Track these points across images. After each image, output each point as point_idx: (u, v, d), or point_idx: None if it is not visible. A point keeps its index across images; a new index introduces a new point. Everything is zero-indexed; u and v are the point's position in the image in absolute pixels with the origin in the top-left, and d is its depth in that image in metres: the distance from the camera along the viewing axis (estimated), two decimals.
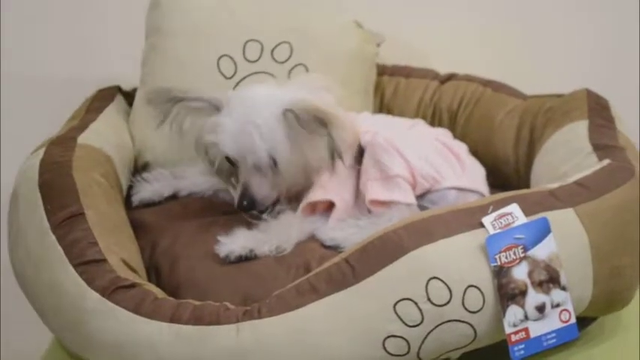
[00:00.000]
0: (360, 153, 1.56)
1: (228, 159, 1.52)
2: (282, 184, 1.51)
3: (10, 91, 2.02)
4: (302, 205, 1.52)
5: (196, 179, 1.65)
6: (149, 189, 1.64)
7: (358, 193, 1.54)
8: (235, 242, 1.43)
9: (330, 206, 1.52)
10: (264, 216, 1.49)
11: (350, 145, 1.51)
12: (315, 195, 1.52)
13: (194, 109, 1.52)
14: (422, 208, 1.50)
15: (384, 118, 1.72)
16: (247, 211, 1.50)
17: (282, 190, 1.52)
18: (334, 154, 1.47)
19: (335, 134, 1.45)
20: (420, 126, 1.68)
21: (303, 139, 1.47)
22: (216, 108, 1.51)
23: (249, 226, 1.47)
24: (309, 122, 1.45)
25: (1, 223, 1.98)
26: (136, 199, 1.63)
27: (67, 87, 2.01)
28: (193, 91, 1.52)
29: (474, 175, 1.60)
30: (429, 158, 1.55)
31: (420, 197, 1.54)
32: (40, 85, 2.03)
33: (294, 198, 1.54)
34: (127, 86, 1.85)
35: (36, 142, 1.57)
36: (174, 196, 1.65)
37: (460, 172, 1.57)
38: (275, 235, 1.45)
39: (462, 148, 1.63)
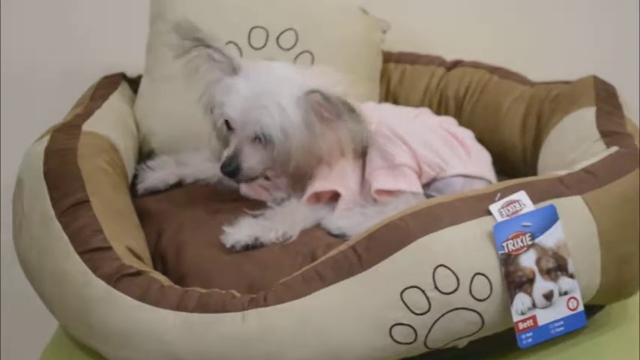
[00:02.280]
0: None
1: (227, 123, 1.50)
2: (274, 163, 1.49)
3: (14, 79, 2.01)
4: (307, 194, 1.51)
5: (201, 166, 1.65)
6: (154, 177, 1.64)
7: (364, 183, 1.54)
8: (241, 231, 1.42)
9: (335, 196, 1.52)
10: (269, 203, 1.49)
11: (364, 133, 1.49)
12: (321, 185, 1.51)
13: (214, 60, 1.50)
14: (428, 196, 1.50)
15: (388, 108, 1.72)
16: (230, 177, 1.49)
17: (271, 168, 1.50)
18: (360, 142, 1.47)
19: (359, 123, 1.44)
20: (425, 115, 1.67)
21: (317, 126, 1.46)
22: (233, 70, 1.49)
23: (254, 213, 1.47)
24: (337, 105, 1.43)
25: (2, 219, 2.00)
26: (141, 187, 1.63)
27: (72, 74, 2.01)
28: (220, 44, 1.51)
29: (480, 162, 1.59)
30: (434, 146, 1.55)
31: (426, 186, 1.53)
32: (45, 72, 2.03)
33: (298, 187, 1.54)
34: (131, 73, 1.84)
35: (40, 129, 1.57)
36: (179, 184, 1.65)
37: (466, 159, 1.57)
38: (280, 222, 1.44)
39: (467, 134, 1.63)
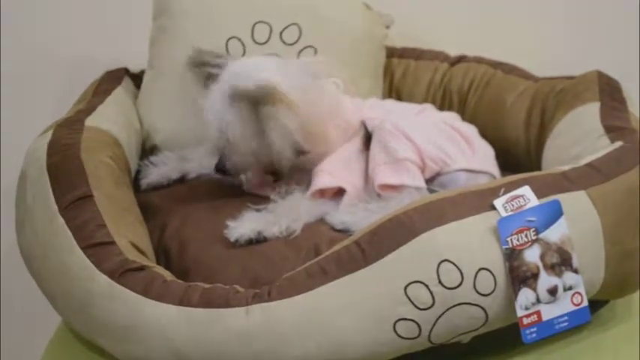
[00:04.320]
0: (368, 138, 1.56)
1: None
2: (246, 159, 1.52)
3: (16, 74, 2.01)
4: (310, 191, 1.51)
5: (204, 161, 1.65)
6: (157, 172, 1.64)
7: (367, 178, 1.53)
8: (244, 225, 1.42)
9: (339, 191, 1.52)
10: (273, 197, 1.49)
11: (294, 132, 1.49)
12: (325, 181, 1.51)
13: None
14: (431, 191, 1.49)
15: (391, 104, 1.71)
16: (222, 175, 1.54)
17: (252, 162, 1.53)
18: (286, 141, 1.48)
19: (279, 118, 1.46)
20: (428, 111, 1.67)
21: (253, 120, 1.48)
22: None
23: (257, 207, 1.47)
24: (242, 100, 1.47)
25: (3, 215, 2.00)
26: (143, 182, 1.63)
27: (74, 69, 2.00)
28: (219, 56, 1.58)
29: (484, 157, 1.59)
30: (438, 141, 1.55)
31: (429, 181, 1.53)
32: (47, 67, 2.02)
33: (301, 180, 1.53)
34: (134, 68, 1.84)
35: (43, 125, 1.57)
36: (182, 179, 1.65)
37: (470, 154, 1.56)
38: (284, 216, 1.44)
39: (471, 130, 1.62)
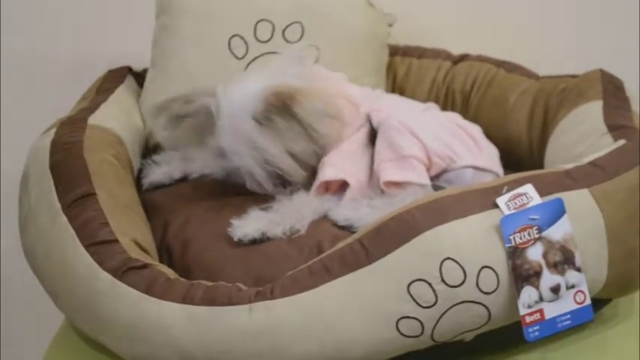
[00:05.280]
0: (373, 134, 1.55)
1: None
2: (289, 174, 1.50)
3: (18, 72, 2.01)
4: (315, 184, 1.51)
5: (207, 161, 1.64)
6: (159, 171, 1.63)
7: (372, 174, 1.53)
8: (249, 225, 1.42)
9: (343, 186, 1.51)
10: (278, 196, 1.48)
11: (327, 113, 1.50)
12: (329, 174, 1.50)
13: (196, 120, 1.53)
14: (437, 188, 1.49)
15: (397, 99, 1.71)
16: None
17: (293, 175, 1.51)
18: (308, 132, 1.47)
19: (300, 113, 1.45)
20: (433, 109, 1.67)
21: (278, 129, 1.47)
22: (211, 114, 1.51)
23: (262, 206, 1.46)
24: (273, 120, 1.45)
25: (3, 215, 2.00)
26: (145, 181, 1.62)
27: (77, 67, 2.01)
28: (189, 101, 1.52)
29: (489, 156, 1.59)
30: (444, 138, 1.54)
31: (435, 177, 1.53)
32: (50, 66, 2.02)
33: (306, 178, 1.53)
34: (137, 67, 1.84)
35: (45, 123, 1.57)
36: (184, 179, 1.64)
37: (476, 152, 1.56)
38: (288, 216, 1.44)
39: (475, 129, 1.62)
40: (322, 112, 1.48)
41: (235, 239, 1.41)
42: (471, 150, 1.56)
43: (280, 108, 1.45)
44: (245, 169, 1.50)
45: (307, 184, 1.51)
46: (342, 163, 1.51)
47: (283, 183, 1.51)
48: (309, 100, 1.47)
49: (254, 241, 1.41)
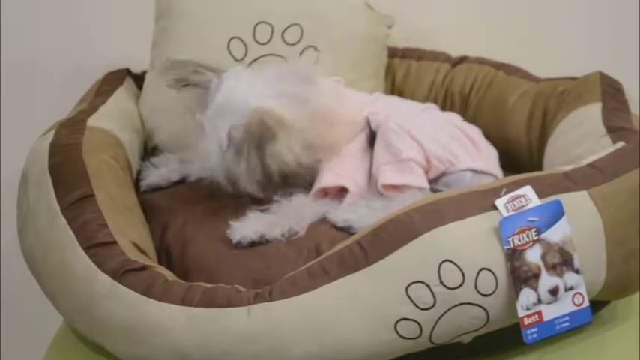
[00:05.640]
0: (372, 137, 1.55)
1: None
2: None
3: (17, 74, 2.01)
4: (314, 190, 1.51)
5: (205, 164, 1.64)
6: (157, 174, 1.63)
7: (371, 177, 1.53)
8: (247, 227, 1.42)
9: (342, 190, 1.52)
10: (276, 197, 1.49)
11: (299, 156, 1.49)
12: (328, 180, 1.51)
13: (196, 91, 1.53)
14: (436, 191, 1.49)
15: (396, 100, 1.71)
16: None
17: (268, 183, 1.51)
18: (262, 173, 1.47)
19: (270, 151, 1.45)
20: (432, 110, 1.67)
21: (257, 156, 1.46)
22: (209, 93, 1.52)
23: (260, 208, 1.47)
24: (241, 145, 1.45)
25: (3, 217, 2.00)
26: (143, 184, 1.62)
27: (76, 69, 2.01)
28: (199, 71, 1.53)
29: (488, 158, 1.59)
30: (443, 141, 1.55)
31: (434, 180, 1.53)
32: (49, 67, 2.02)
33: (305, 182, 1.53)
34: (136, 69, 1.84)
35: (45, 125, 1.57)
36: (182, 181, 1.64)
37: (475, 154, 1.56)
38: (287, 218, 1.44)
39: (475, 131, 1.62)
40: (296, 151, 1.47)
41: (234, 241, 1.41)
42: (469, 152, 1.56)
43: (251, 138, 1.44)
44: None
45: (307, 186, 1.52)
46: (341, 168, 1.52)
47: (274, 186, 1.51)
48: (289, 136, 1.45)
49: (252, 243, 1.41)
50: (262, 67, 1.61)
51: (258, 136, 1.43)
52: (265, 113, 1.44)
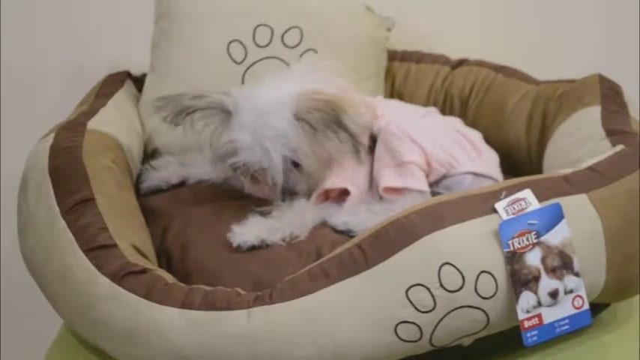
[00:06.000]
0: (373, 140, 1.55)
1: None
2: (308, 177, 1.50)
3: (17, 77, 2.01)
4: (315, 193, 1.51)
5: (205, 167, 1.64)
6: (157, 177, 1.63)
7: (372, 180, 1.53)
8: (248, 232, 1.42)
9: (343, 193, 1.52)
10: (278, 202, 1.49)
11: (369, 128, 1.50)
12: (332, 182, 1.51)
13: (205, 115, 1.50)
14: (436, 194, 1.49)
15: (397, 104, 1.71)
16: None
17: (308, 180, 1.51)
18: (355, 145, 1.45)
19: (351, 125, 1.43)
20: (434, 114, 1.67)
21: (320, 135, 1.45)
22: (226, 112, 1.49)
23: (261, 212, 1.47)
24: (320, 126, 1.44)
25: (3, 219, 2.00)
26: (143, 187, 1.62)
27: (76, 72, 2.01)
28: (200, 96, 1.49)
29: (489, 162, 1.59)
30: (444, 144, 1.55)
31: (435, 183, 1.53)
32: (49, 70, 2.02)
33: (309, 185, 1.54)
34: (136, 71, 1.84)
35: (45, 128, 1.57)
36: (182, 184, 1.64)
37: (476, 158, 1.57)
38: (288, 223, 1.44)
39: (476, 135, 1.63)
40: (367, 126, 1.48)
41: (234, 245, 1.41)
42: (470, 156, 1.56)
43: (330, 116, 1.43)
44: (264, 167, 1.47)
45: (307, 192, 1.52)
46: (343, 171, 1.51)
47: (284, 192, 1.51)
48: (356, 112, 1.46)
49: (253, 248, 1.41)
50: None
51: (332, 111, 1.43)
52: (324, 94, 1.44)
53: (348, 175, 1.51)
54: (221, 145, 1.50)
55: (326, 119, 1.43)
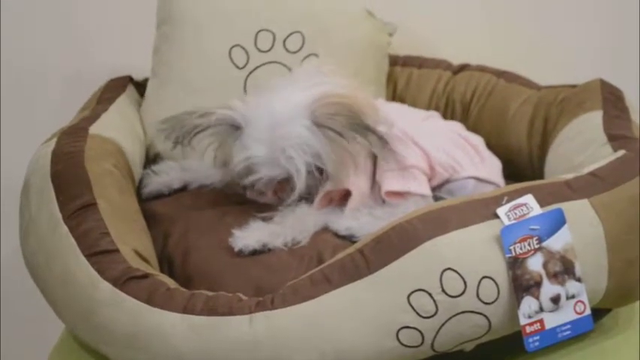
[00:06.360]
0: None
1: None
2: (331, 182, 1.50)
3: (19, 82, 2.02)
4: (319, 196, 1.51)
5: (207, 172, 1.64)
6: (158, 181, 1.63)
7: (374, 184, 1.53)
8: (250, 236, 1.41)
9: (345, 197, 1.52)
10: (280, 207, 1.48)
11: (390, 125, 1.49)
12: (333, 184, 1.51)
13: (214, 133, 1.49)
14: (438, 198, 1.50)
15: (399, 107, 1.71)
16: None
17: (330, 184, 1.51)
18: (383, 144, 1.45)
19: (374, 125, 1.43)
20: (435, 118, 1.67)
21: (344, 138, 1.45)
22: (235, 127, 1.48)
23: (263, 217, 1.47)
24: (346, 130, 1.43)
25: (4, 223, 2.00)
26: (145, 191, 1.62)
27: (78, 77, 2.01)
28: (206, 113, 1.48)
29: (491, 167, 1.59)
30: (447, 148, 1.55)
31: (438, 187, 1.53)
32: (51, 75, 2.03)
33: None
34: (138, 76, 1.84)
35: (46, 133, 1.57)
36: (184, 189, 1.64)
37: (478, 162, 1.57)
38: (290, 228, 1.44)
39: (478, 140, 1.63)
40: (387, 124, 1.47)
41: (236, 250, 1.40)
42: (473, 160, 1.56)
43: (353, 119, 1.43)
44: (286, 178, 1.46)
45: (308, 197, 1.51)
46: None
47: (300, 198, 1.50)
48: (373, 111, 1.46)
49: (254, 252, 1.41)
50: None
51: (354, 114, 1.42)
52: (340, 96, 1.44)
53: (350, 177, 1.51)
54: (236, 164, 1.48)
55: (351, 123, 1.43)
